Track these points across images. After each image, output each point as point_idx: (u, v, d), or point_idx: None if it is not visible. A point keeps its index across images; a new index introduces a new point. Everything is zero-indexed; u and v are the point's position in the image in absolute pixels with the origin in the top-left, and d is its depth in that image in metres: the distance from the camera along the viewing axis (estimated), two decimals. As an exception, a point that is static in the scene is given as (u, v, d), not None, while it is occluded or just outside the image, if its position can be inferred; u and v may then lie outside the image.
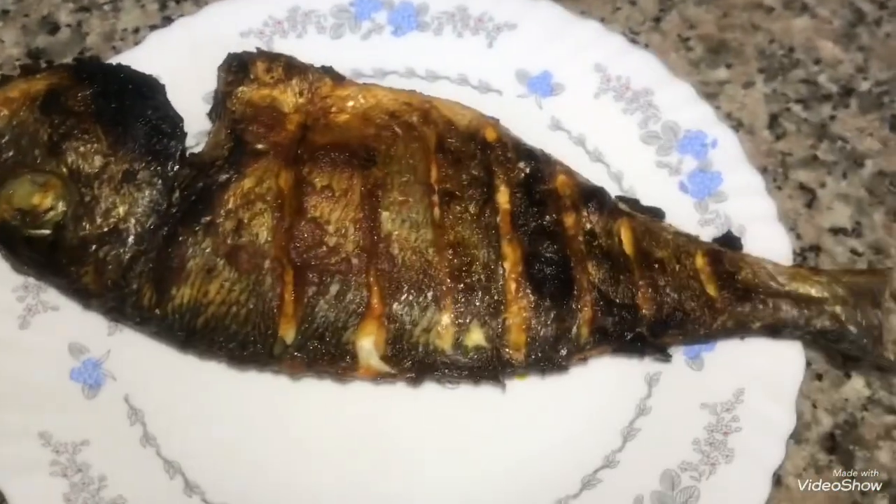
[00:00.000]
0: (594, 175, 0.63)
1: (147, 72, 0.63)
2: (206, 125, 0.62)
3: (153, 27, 0.72)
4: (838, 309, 0.54)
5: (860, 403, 0.59)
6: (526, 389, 0.56)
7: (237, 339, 0.53)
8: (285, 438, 0.54)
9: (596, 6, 0.76)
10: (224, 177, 0.53)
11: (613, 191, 0.63)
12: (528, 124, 0.65)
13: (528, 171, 0.57)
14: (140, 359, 0.56)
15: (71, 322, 0.56)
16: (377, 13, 0.69)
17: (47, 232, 0.52)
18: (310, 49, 0.67)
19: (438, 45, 0.69)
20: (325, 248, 0.53)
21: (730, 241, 0.58)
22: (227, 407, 0.55)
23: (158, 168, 0.53)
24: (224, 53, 0.62)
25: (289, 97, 0.57)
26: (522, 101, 0.67)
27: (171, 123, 0.54)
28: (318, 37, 0.69)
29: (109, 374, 0.56)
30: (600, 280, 0.55)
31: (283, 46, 0.67)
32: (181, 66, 0.65)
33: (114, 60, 0.64)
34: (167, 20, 0.73)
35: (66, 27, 0.72)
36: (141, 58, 0.64)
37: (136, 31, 0.72)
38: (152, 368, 0.56)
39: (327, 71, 0.60)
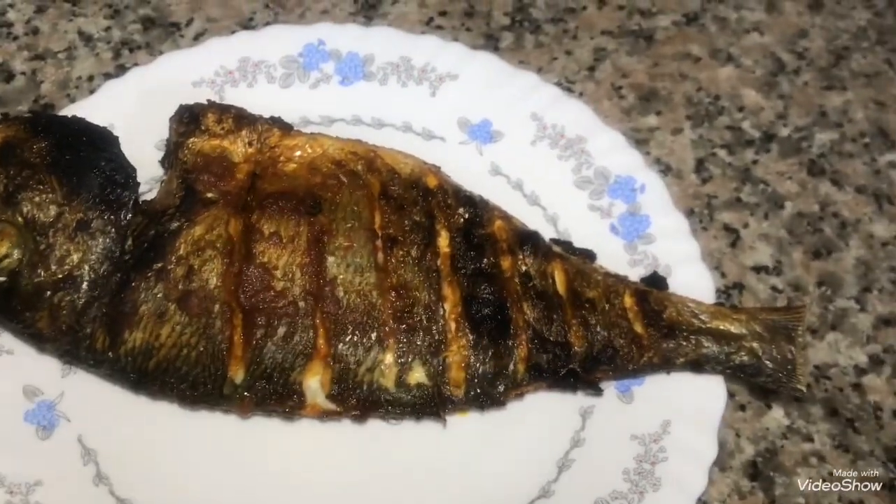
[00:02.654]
0: (531, 218, 0.66)
1: (101, 119, 0.66)
2: (158, 171, 0.65)
3: (107, 75, 0.74)
4: (755, 345, 0.58)
5: (780, 432, 0.63)
6: (466, 425, 0.59)
7: (188, 379, 0.55)
8: (236, 475, 0.57)
9: (534, 56, 0.80)
10: (175, 224, 0.56)
11: (549, 233, 0.66)
12: (469, 170, 0.69)
13: (466, 216, 0.61)
14: (93, 400, 0.58)
15: (25, 365, 0.58)
16: (325, 64, 0.72)
17: (2, 279, 0.54)
18: (260, 98, 0.70)
19: (384, 94, 0.72)
20: (272, 292, 0.55)
21: (656, 282, 0.62)
22: (178, 446, 0.57)
23: (112, 217, 0.55)
24: (177, 102, 0.65)
25: (238, 147, 0.60)
26: (464, 147, 0.71)
27: (125, 174, 0.57)
28: (268, 86, 0.71)
29: (63, 416, 0.57)
30: (535, 319, 0.58)
31: (234, 95, 0.70)
32: (134, 113, 0.67)
33: (69, 108, 0.67)
34: (121, 68, 0.75)
35: (20, 75, 0.74)
36: (95, 106, 0.67)
37: (91, 78, 0.75)
38: (106, 409, 0.58)
39: (276, 121, 0.63)
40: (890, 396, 0.65)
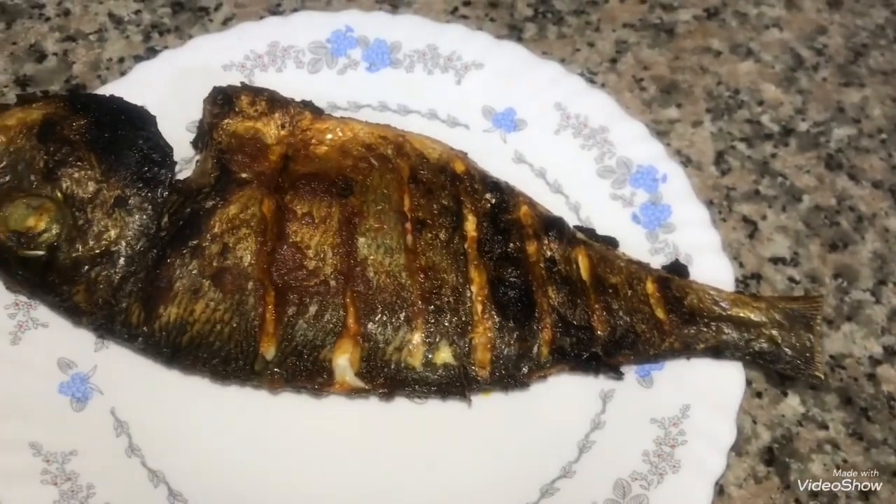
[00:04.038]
0: (554, 206, 0.68)
1: (133, 101, 0.68)
2: (190, 152, 0.66)
3: (137, 57, 0.76)
4: (775, 332, 0.60)
5: (796, 419, 0.64)
6: (490, 405, 0.60)
7: (220, 355, 0.56)
8: (264, 449, 0.58)
9: (557, 47, 0.81)
10: (211, 203, 0.57)
11: (571, 221, 0.67)
12: (493, 157, 0.70)
13: (493, 201, 0.62)
14: (125, 373, 0.59)
15: (60, 338, 0.59)
16: (353, 50, 0.74)
17: (41, 253, 0.55)
18: (289, 82, 0.71)
19: (410, 81, 0.73)
20: (304, 271, 0.56)
21: (678, 269, 0.63)
22: (209, 419, 0.58)
23: (149, 194, 0.57)
24: (208, 85, 0.66)
25: (271, 129, 0.61)
26: (488, 135, 0.72)
27: (162, 152, 0.58)
28: (296, 71, 0.73)
29: (96, 388, 0.59)
30: (559, 304, 0.59)
31: (263, 79, 0.71)
32: (166, 95, 0.68)
33: (101, 89, 0.68)
34: (151, 51, 0.76)
35: (52, 56, 0.76)
36: (128, 87, 0.68)
37: (121, 60, 0.76)
38: (137, 383, 0.59)
39: (307, 105, 0.64)
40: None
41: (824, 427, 0.64)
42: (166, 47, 0.76)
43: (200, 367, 0.57)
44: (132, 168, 0.57)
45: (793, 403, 0.65)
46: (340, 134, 0.62)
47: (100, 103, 0.59)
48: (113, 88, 0.68)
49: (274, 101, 0.62)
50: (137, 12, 0.79)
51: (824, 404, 0.65)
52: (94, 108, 0.58)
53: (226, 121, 0.61)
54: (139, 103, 0.67)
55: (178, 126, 0.67)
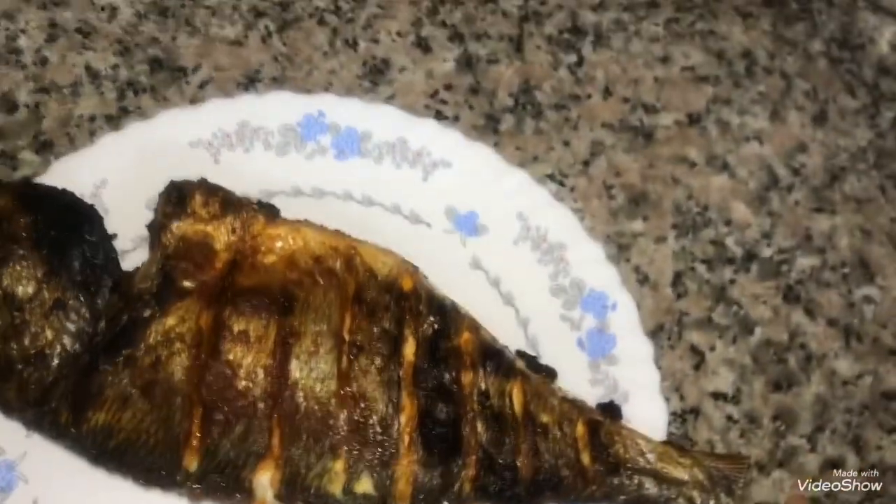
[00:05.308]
0: (503, 319, 0.68)
1: (96, 173, 0.68)
2: (145, 231, 0.66)
3: (108, 117, 0.75)
4: (695, 494, 0.60)
5: (711, 568, 0.65)
6: (407, 533, 0.61)
7: (144, 463, 0.57)
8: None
9: (532, 143, 0.80)
10: (148, 312, 0.57)
11: (519, 336, 0.68)
12: (450, 259, 0.70)
13: (436, 326, 0.62)
14: (54, 464, 0.60)
15: (-9, 422, 0.60)
16: (322, 136, 0.73)
17: (-26, 347, 0.56)
18: (255, 163, 0.72)
19: (377, 173, 0.73)
20: (234, 391, 0.57)
21: (612, 410, 0.64)
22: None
23: (88, 299, 0.57)
24: (172, 162, 0.67)
25: (221, 234, 0.61)
26: (448, 236, 0.72)
27: (105, 256, 0.58)
28: (264, 152, 0.72)
29: (22, 477, 0.59)
30: (487, 440, 0.60)
31: (229, 158, 0.71)
32: (129, 169, 0.68)
33: (62, 160, 0.68)
34: (123, 110, 0.76)
35: (24, 107, 0.75)
36: (92, 158, 0.68)
37: (93, 119, 0.76)
38: (65, 475, 0.59)
39: (263, 206, 0.64)
40: (822, 545, 0.67)
41: (740, 581, 0.65)
42: (139, 108, 0.76)
43: (125, 472, 0.58)
44: (74, 271, 0.57)
45: (711, 552, 0.65)
46: (291, 242, 0.62)
47: (50, 199, 0.59)
48: (77, 160, 0.68)
49: (228, 204, 0.62)
50: (115, 67, 0.78)
51: (744, 556, 0.66)
52: (44, 205, 0.58)
53: (175, 223, 0.61)
54: (102, 176, 0.68)
55: (138, 202, 0.67)
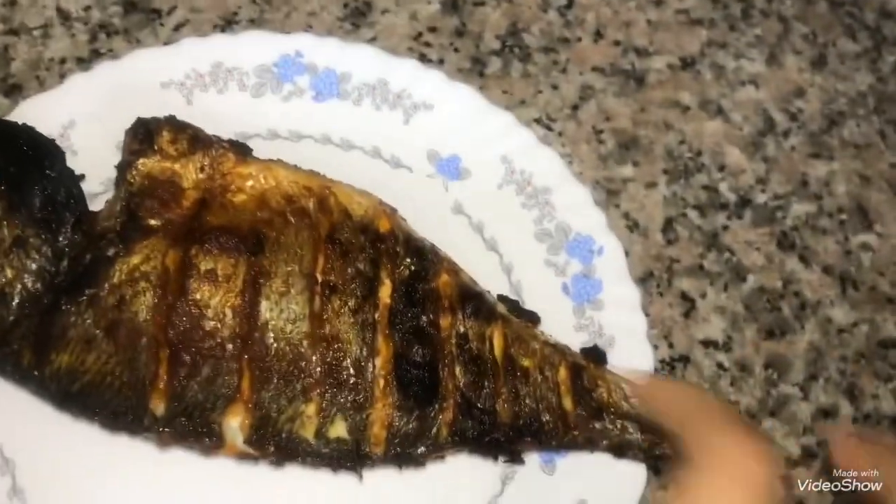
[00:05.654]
0: (487, 265, 0.66)
1: (64, 114, 0.66)
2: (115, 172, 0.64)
3: (80, 60, 0.73)
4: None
5: (698, 518, 0.63)
6: (384, 481, 0.59)
7: (110, 407, 0.55)
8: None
9: (519, 87, 0.78)
10: (112, 251, 0.55)
11: (502, 282, 0.66)
12: (432, 204, 0.68)
13: (413, 268, 0.60)
14: (17, 410, 0.58)
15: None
16: (300, 77, 0.71)
17: (-67, 287, 0.54)
18: (229, 105, 0.69)
19: (356, 116, 0.71)
20: (201, 332, 0.55)
21: (596, 355, 0.61)
22: (97, 468, 0.57)
23: (49, 236, 0.55)
24: (143, 103, 0.64)
25: (190, 172, 0.59)
26: (430, 180, 0.70)
27: (67, 192, 0.56)
28: (239, 94, 0.70)
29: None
30: (465, 385, 0.58)
31: (203, 100, 0.69)
32: (98, 111, 0.66)
33: (29, 101, 0.66)
34: (95, 53, 0.74)
35: (-8, 49, 0.73)
36: (59, 99, 0.66)
37: (63, 61, 0.73)
38: (29, 422, 0.58)
39: (234, 145, 0.62)
40: (815, 494, 0.64)
41: (726, 529, 0.63)
42: (111, 50, 0.74)
43: (90, 416, 0.56)
44: (35, 207, 0.55)
45: (698, 501, 0.63)
46: (262, 181, 0.60)
47: (10, 135, 0.57)
48: (44, 100, 0.66)
49: (196, 141, 0.60)
50: (87, 9, 0.76)
51: (731, 504, 0.64)
52: (3, 140, 0.56)
53: (142, 160, 0.58)
54: (70, 118, 0.66)
55: (108, 145, 0.65)
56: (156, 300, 0.55)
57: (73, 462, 0.57)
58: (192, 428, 0.55)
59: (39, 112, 0.65)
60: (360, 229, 0.60)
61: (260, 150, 0.64)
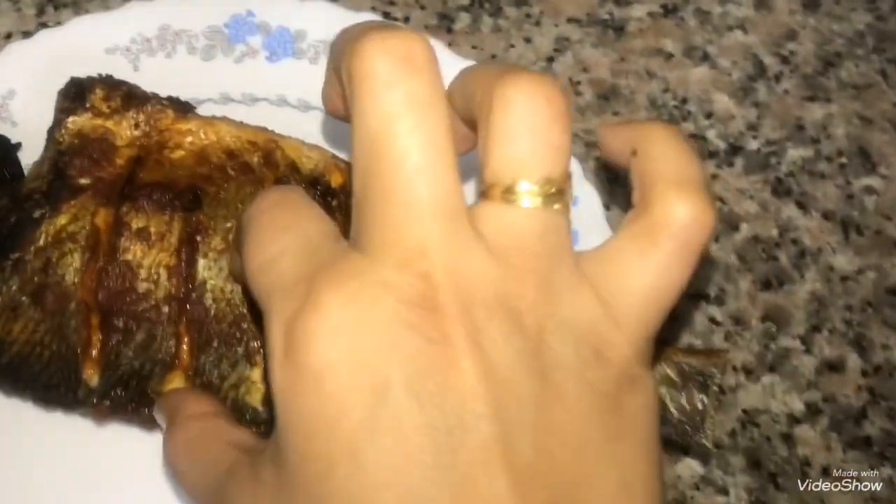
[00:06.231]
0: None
1: (3, 85, 0.63)
2: (59, 144, 0.60)
3: (27, 34, 0.70)
4: (663, 390, 0.53)
5: (693, 482, 0.58)
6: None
7: (41, 380, 0.51)
8: (89, 484, 0.53)
9: (490, 42, 0.73)
10: (38, 212, 0.52)
11: (473, 240, 0.61)
12: (396, 164, 0.64)
13: (367, 221, 0.56)
14: None
15: None
16: (252, 37, 0.67)
17: None
18: (178, 70, 0.65)
19: (313, 74, 0.66)
20: (134, 294, 0.51)
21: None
22: (33, 448, 0.53)
23: (-29, 198, 0.51)
24: (85, 71, 0.60)
25: (124, 129, 0.55)
26: (393, 138, 0.65)
27: (-10, 153, 0.53)
28: (188, 57, 0.66)
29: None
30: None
31: (150, 65, 0.65)
32: (39, 80, 0.62)
33: (-34, 71, 0.63)
34: (43, 26, 0.71)
35: (-64, 27, 0.70)
36: (-2, 68, 0.63)
37: (9, 36, 0.70)
38: None
39: (173, 102, 0.58)
40: (822, 451, 0.59)
41: (724, 492, 0.58)
42: (59, 23, 0.70)
43: (22, 390, 0.52)
44: (-45, 170, 0.52)
45: (692, 464, 0.58)
46: (203, 137, 0.56)
47: (-73, 93, 0.53)
48: (-19, 69, 0.63)
49: (131, 97, 0.56)
50: (35, -17, 0.73)
51: (728, 466, 0.58)
52: (-80, 99, 0.52)
53: (72, 118, 0.55)
54: (8, 88, 0.63)
55: (49, 115, 0.61)
56: (85, 262, 0.51)
57: (6, 442, 0.53)
58: (130, 398, 0.51)
59: (-24, 82, 0.62)
60: (310, 183, 0.56)
61: (213, 114, 0.60)
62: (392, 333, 0.28)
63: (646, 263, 0.33)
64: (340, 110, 0.40)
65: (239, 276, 0.42)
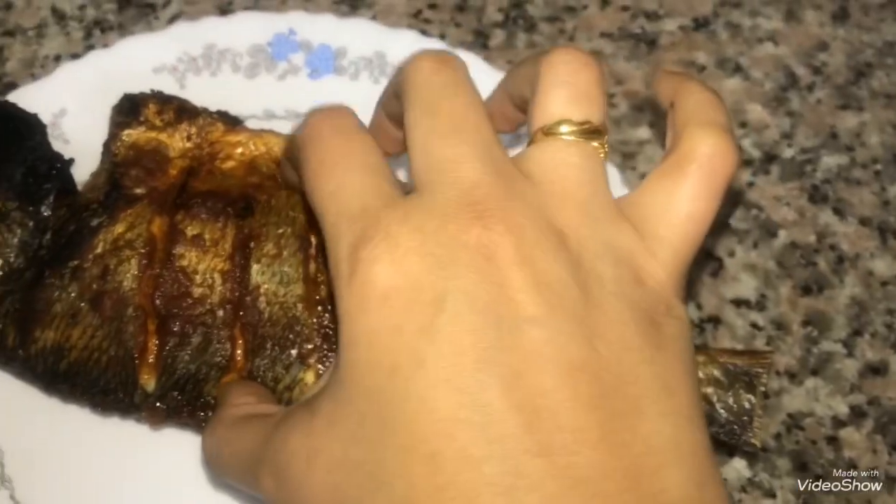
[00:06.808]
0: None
1: (55, 103, 0.64)
2: (109, 160, 0.62)
3: (75, 56, 0.72)
4: (710, 390, 0.53)
5: (739, 485, 0.58)
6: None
7: (99, 384, 0.52)
8: (144, 490, 0.54)
9: (523, 56, 0.75)
10: (96, 221, 0.53)
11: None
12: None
13: (413, 228, 0.57)
14: (6, 396, 0.55)
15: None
16: (294, 55, 0.69)
17: (-86, 266, 0.52)
18: (223, 87, 0.67)
19: (354, 90, 0.68)
20: (189, 299, 0.52)
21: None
22: (89, 455, 0.54)
23: (31, 209, 0.53)
24: (134, 89, 0.62)
25: (176, 141, 0.57)
26: (434, 151, 0.67)
27: (48, 164, 0.54)
28: (232, 75, 0.68)
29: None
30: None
31: (196, 83, 0.67)
32: (90, 98, 0.64)
33: (19, 90, 0.64)
34: (90, 49, 0.72)
35: (-12, 51, 0.72)
36: (50, 88, 0.64)
37: (58, 58, 0.72)
38: (18, 408, 0.55)
39: (222, 115, 0.59)
40: (867, 453, 0.59)
41: (771, 495, 0.58)
42: (106, 46, 0.72)
43: (79, 396, 0.53)
44: (16, 180, 0.53)
45: (738, 466, 0.58)
46: (252, 148, 0.58)
47: (-11, 109, 0.55)
48: (34, 90, 0.64)
49: (182, 111, 0.58)
50: (82, 7, 0.75)
51: (775, 469, 0.58)
52: (-18, 115, 0.54)
53: (126, 131, 0.56)
54: (61, 106, 0.65)
55: (100, 132, 0.62)
56: (141, 268, 0.52)
57: (63, 449, 0.54)
58: (186, 402, 0.52)
59: (29, 102, 0.63)
60: (355, 191, 0.57)
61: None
62: (450, 254, 0.32)
63: (676, 193, 0.37)
64: (386, 151, 0.46)
65: (294, 186, 0.48)
